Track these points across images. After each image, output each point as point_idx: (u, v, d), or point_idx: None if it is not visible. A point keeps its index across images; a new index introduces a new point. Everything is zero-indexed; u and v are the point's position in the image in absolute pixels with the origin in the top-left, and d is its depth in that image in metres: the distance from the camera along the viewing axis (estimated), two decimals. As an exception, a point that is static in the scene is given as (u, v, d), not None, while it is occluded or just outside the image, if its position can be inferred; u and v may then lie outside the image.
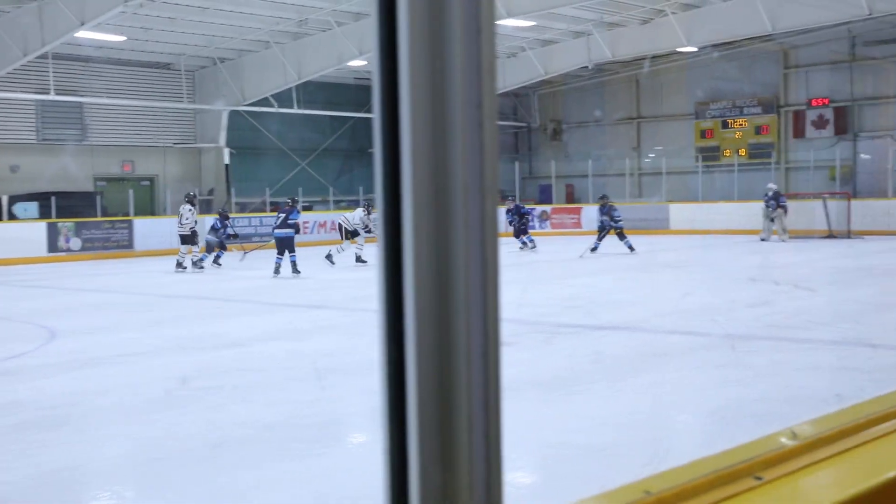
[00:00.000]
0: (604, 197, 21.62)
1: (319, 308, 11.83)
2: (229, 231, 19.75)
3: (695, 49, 27.83)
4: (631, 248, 20.00)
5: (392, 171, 0.82)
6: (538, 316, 10.14)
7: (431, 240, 0.78)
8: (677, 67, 30.64)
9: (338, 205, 30.56)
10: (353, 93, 31.73)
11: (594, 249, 20.30)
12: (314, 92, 28.98)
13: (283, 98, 27.77)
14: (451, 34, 0.79)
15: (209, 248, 19.42)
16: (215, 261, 19.14)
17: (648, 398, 6.31)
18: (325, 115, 30.31)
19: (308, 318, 10.98)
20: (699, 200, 28.99)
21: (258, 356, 8.31)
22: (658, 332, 9.32)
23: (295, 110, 28.28)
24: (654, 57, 29.13)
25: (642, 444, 5.14)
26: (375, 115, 0.85)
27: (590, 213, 26.52)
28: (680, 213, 28.38)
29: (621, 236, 20.28)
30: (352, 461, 5.12)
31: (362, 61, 26.21)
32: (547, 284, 14.36)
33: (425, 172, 0.78)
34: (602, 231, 20.66)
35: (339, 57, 25.35)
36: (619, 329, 9.56)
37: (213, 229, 19.62)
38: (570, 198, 33.22)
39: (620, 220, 20.46)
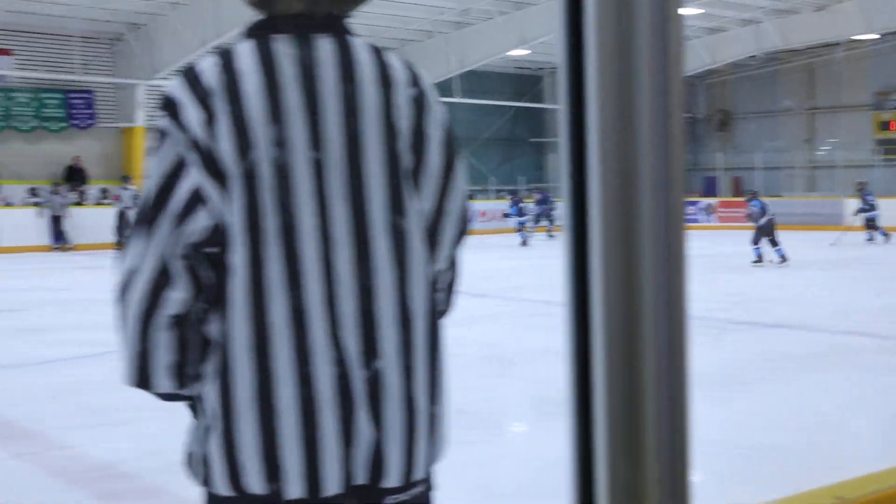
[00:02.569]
0: (753, 192, 21.33)
1: (482, 297, 11.81)
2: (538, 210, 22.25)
3: (876, 36, 26.94)
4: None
5: (577, 161, 0.80)
6: (705, 311, 9.95)
7: (618, 230, 0.78)
8: (855, 56, 29.67)
9: (498, 194, 31.01)
10: (514, 82, 32.04)
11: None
12: (475, 81, 29.20)
13: (443, 87, 28.14)
14: (638, 20, 0.78)
15: None
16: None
17: (822, 400, 6.14)
18: (486, 105, 30.50)
19: (471, 305, 11.20)
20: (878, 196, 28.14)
21: None
22: (835, 332, 9.02)
23: (456, 99, 28.47)
24: (829, 45, 28.35)
25: (817, 448, 5.01)
26: (561, 104, 0.80)
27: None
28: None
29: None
30: (514, 451, 5.09)
31: (524, 50, 26.40)
32: (713, 277, 14.13)
33: (612, 162, 0.77)
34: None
35: (500, 46, 25.61)
36: (792, 327, 9.33)
37: None
38: (738, 191, 32.64)
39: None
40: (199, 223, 1.47)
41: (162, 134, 1.49)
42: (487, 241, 24.34)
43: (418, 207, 1.60)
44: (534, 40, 24.88)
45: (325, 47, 1.55)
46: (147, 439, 5.06)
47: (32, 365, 7.70)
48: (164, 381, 1.53)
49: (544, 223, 25.61)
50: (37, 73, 24.23)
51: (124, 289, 1.51)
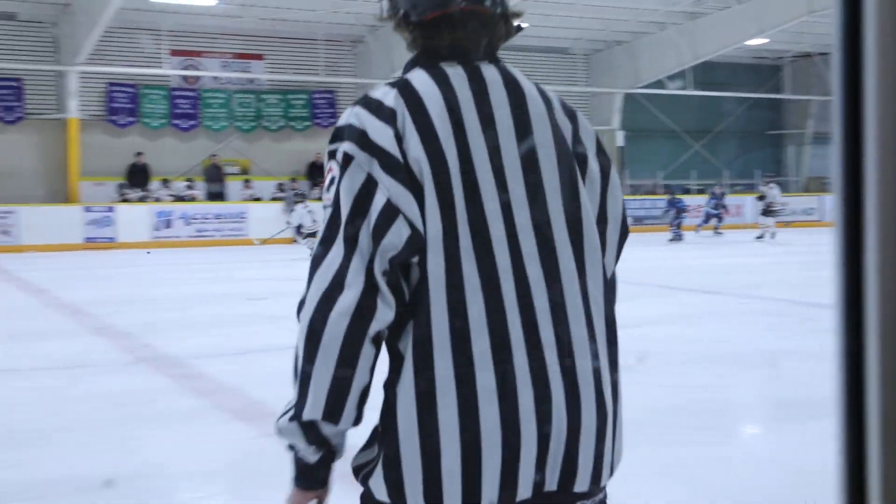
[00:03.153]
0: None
1: (714, 294, 11.65)
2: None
3: None
4: None
5: (852, 154, 0.77)
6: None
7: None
8: None
9: (733, 188, 30.05)
10: (751, 72, 30.96)
11: None
12: (709, 72, 28.36)
13: (676, 79, 27.62)
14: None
15: None
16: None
17: None
18: (721, 97, 29.62)
19: (699, 303, 10.91)
20: None
21: (648, 339, 8.12)
22: None
23: (690, 91, 27.91)
24: None
25: None
26: (834, 94, 0.77)
27: None
28: None
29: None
30: (741, 453, 4.95)
31: (762, 39, 25.50)
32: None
33: (892, 155, 0.74)
34: None
35: (737, 36, 24.89)
36: None
37: None
38: None
39: None
40: (399, 235, 1.50)
41: (346, 158, 1.53)
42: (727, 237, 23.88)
43: (591, 211, 1.66)
44: (773, 28, 24.00)
45: (490, 71, 1.63)
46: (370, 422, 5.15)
47: (278, 350, 7.93)
48: (353, 413, 1.56)
49: (713, 221, 24.79)
50: (285, 76, 25.26)
51: (323, 306, 1.52)
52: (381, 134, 1.53)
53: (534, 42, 27.26)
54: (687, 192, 29.27)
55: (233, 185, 24.60)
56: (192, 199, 23.25)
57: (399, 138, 1.52)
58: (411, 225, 1.51)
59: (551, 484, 1.54)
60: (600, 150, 1.73)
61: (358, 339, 1.49)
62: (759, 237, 22.12)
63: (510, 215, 1.55)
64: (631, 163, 29.21)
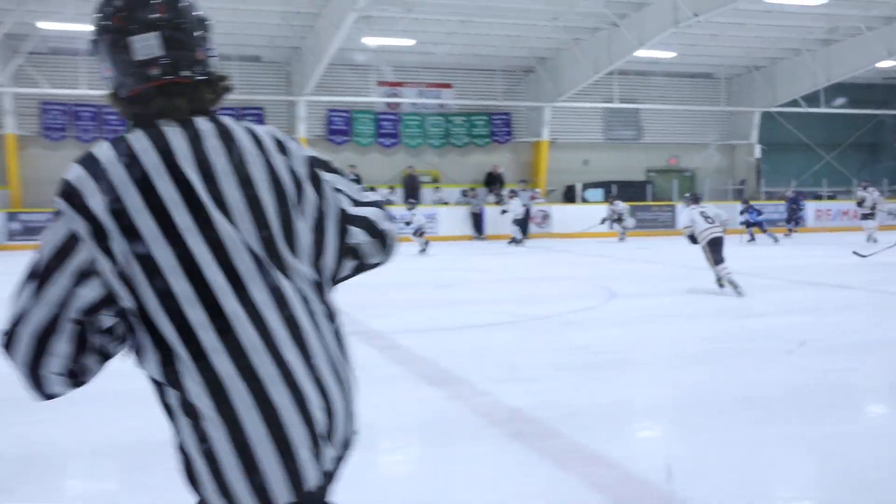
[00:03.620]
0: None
1: (844, 288, 11.07)
2: (752, 217, 20.94)
3: None
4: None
5: None
6: None
7: None
8: None
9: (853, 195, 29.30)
10: (880, 91, 29.73)
11: None
12: (840, 91, 27.31)
13: (810, 98, 26.61)
14: None
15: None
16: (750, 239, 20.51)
17: None
18: (851, 113, 28.49)
19: (831, 296, 10.42)
20: None
21: (777, 327, 7.91)
22: None
23: (822, 109, 27.01)
24: None
25: None
26: None
27: None
28: None
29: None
30: (871, 429, 4.70)
31: (891, 62, 24.74)
32: None
33: None
34: None
35: (868, 59, 23.79)
36: None
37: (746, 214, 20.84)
38: None
39: None
40: (93, 291, 1.47)
41: (58, 213, 1.49)
42: (844, 238, 22.45)
43: (307, 241, 1.65)
44: (901, 52, 23.28)
45: (203, 124, 1.63)
46: (546, 394, 5.26)
47: (462, 328, 8.01)
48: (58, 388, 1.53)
49: (788, 224, 23.62)
50: (469, 101, 25.79)
51: (9, 336, 1.48)
52: (92, 199, 1.47)
53: (681, 68, 27.06)
54: (819, 198, 28.82)
55: (426, 192, 25.19)
56: (392, 202, 23.67)
57: (109, 206, 1.46)
58: (107, 287, 1.48)
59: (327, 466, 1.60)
60: (315, 169, 1.71)
61: (38, 372, 1.50)
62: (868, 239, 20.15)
63: (233, 248, 1.51)
64: (767, 173, 28.97)
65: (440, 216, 24.03)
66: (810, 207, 27.13)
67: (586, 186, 26.60)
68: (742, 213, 21.28)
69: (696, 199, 11.46)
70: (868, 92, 29.14)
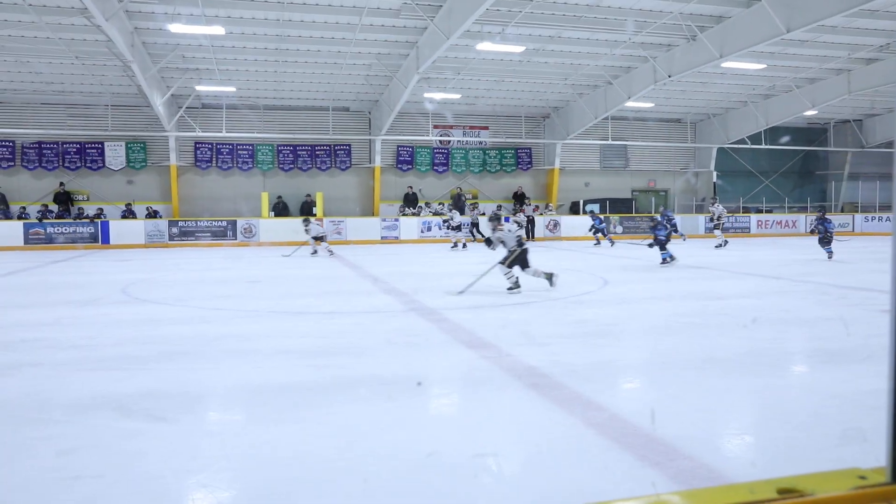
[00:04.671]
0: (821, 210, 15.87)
1: (777, 279, 10.76)
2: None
3: None
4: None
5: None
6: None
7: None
8: None
9: (790, 209, 28.82)
10: (805, 133, 29.18)
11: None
12: (777, 132, 26.88)
13: (754, 137, 26.23)
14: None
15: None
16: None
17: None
18: (784, 149, 27.97)
19: (769, 284, 10.09)
20: None
21: (733, 307, 7.72)
22: None
23: (763, 146, 26.57)
24: None
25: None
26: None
27: None
28: None
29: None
30: (795, 384, 4.56)
31: (814, 111, 24.30)
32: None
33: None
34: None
35: (797, 108, 23.66)
36: None
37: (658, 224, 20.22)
38: None
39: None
40: None
41: None
42: (780, 241, 22.34)
43: None
44: (823, 104, 22.89)
45: None
46: (555, 355, 5.20)
47: (492, 307, 7.91)
48: None
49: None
50: (501, 139, 25.73)
51: None
52: None
53: (657, 115, 26.99)
54: (760, 211, 28.34)
55: (468, 206, 25.45)
56: (442, 214, 24.35)
57: None
58: None
59: None
60: None
61: None
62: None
63: None
64: (721, 192, 28.57)
65: (479, 225, 23.78)
66: (753, 219, 26.79)
67: (587, 202, 26.41)
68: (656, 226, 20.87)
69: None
70: (797, 133, 28.72)
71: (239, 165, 23.96)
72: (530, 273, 9.32)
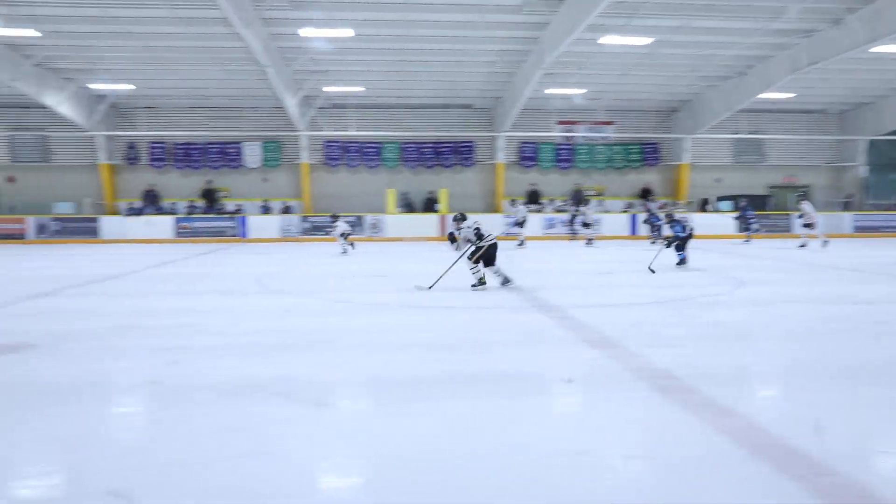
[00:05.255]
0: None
1: None
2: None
3: None
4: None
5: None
6: None
7: None
8: None
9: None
10: None
11: None
12: None
13: None
14: None
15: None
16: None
17: None
18: None
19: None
20: None
21: (878, 312, 7.15)
22: None
23: None
24: None
25: None
26: None
27: None
28: None
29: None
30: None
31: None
32: None
33: None
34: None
35: None
36: None
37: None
38: None
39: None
40: None
41: None
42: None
43: None
44: None
45: None
46: (685, 357, 5.01)
47: (617, 306, 7.68)
48: None
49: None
50: (626, 134, 25.18)
51: None
52: None
53: (794, 106, 25.44)
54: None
55: (591, 203, 24.95)
56: (565, 211, 23.95)
57: None
58: None
59: None
60: None
61: None
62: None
63: None
64: (873, 188, 26.45)
65: (603, 221, 23.35)
66: (909, 216, 24.59)
67: (719, 199, 25.19)
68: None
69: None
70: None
71: (366, 163, 24.74)
72: (492, 271, 9.13)
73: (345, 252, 16.19)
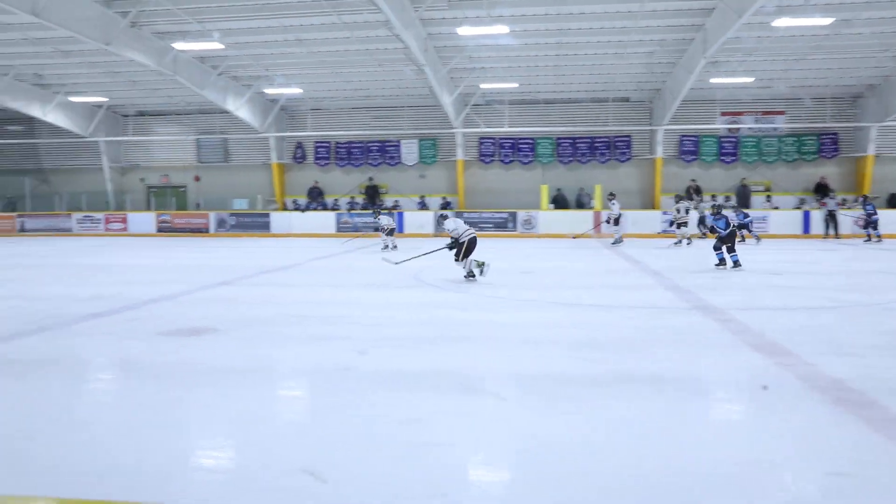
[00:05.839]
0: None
1: None
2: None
3: None
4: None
5: None
6: None
7: None
8: None
9: None
10: None
11: None
12: None
13: None
14: None
15: None
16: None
17: None
18: None
19: None
20: None
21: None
22: None
23: None
24: None
25: None
26: None
27: None
28: None
29: None
30: None
31: None
32: None
33: None
34: None
35: None
36: None
37: None
38: None
39: None
40: None
41: None
42: None
43: None
44: None
45: None
46: (868, 368, 4.58)
47: (786, 309, 7.07)
48: None
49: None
50: (799, 124, 23.52)
51: None
52: None
53: None
54: None
55: (756, 199, 23.24)
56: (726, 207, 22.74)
57: None
58: None
59: None
60: None
61: None
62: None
63: None
64: None
65: (770, 218, 21.91)
66: None
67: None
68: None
69: None
70: None
71: (519, 159, 24.78)
72: (461, 264, 9.52)
73: (387, 248, 16.15)
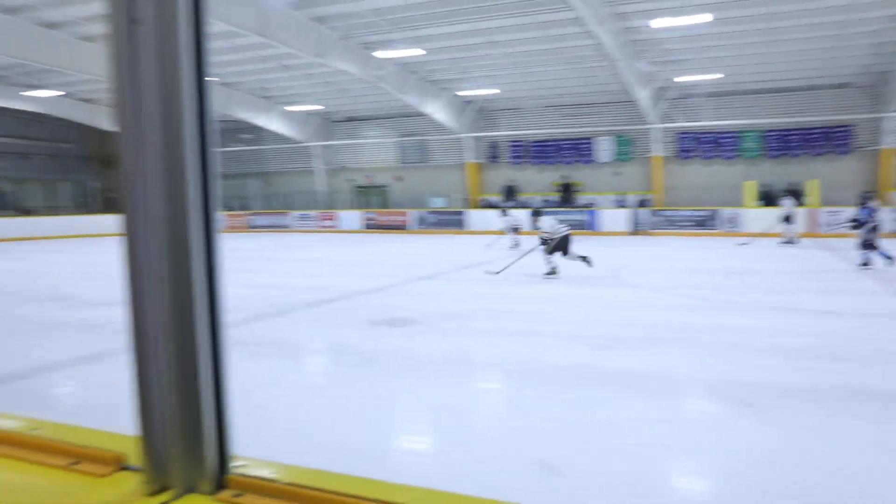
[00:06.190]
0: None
1: None
2: None
3: None
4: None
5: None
6: None
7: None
8: None
9: None
10: None
11: None
12: None
13: None
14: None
15: None
16: None
17: None
18: None
19: None
20: None
21: None
22: None
23: None
24: None
25: None
26: None
27: None
28: None
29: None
30: None
31: None
32: None
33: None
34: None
35: None
36: None
37: None
38: None
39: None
40: None
41: None
42: None
43: None
44: None
45: None
46: None
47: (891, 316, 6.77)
48: None
49: None
50: None
51: None
52: None
53: None
54: None
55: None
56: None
57: None
58: None
59: None
60: None
61: None
62: None
63: None
64: None
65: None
66: None
67: None
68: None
69: None
70: None
71: (721, 154, 23.39)
72: (548, 258, 9.95)
73: (516, 245, 16.43)
